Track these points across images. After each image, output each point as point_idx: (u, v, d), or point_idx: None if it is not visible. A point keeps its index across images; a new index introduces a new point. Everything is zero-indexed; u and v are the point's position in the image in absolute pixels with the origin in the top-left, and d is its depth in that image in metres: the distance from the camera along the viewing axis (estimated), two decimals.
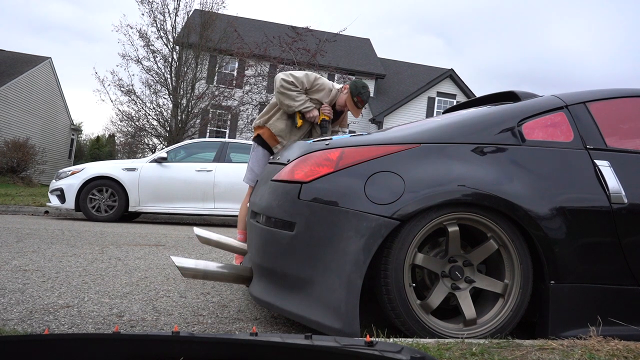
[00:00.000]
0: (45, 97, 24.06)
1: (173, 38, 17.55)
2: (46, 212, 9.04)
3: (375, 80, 23.73)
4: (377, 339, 1.46)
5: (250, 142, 9.06)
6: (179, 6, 17.76)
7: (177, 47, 17.64)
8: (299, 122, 3.65)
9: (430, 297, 2.10)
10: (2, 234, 5.37)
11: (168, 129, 17.13)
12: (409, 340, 1.88)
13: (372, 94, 24.70)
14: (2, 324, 2.10)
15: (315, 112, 3.62)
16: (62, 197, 7.74)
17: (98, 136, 45.32)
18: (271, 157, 3.41)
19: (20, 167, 18.73)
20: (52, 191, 7.88)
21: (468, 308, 2.12)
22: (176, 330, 1.36)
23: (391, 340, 1.78)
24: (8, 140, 18.98)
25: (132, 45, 25.75)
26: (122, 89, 17.04)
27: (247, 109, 18.66)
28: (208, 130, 19.76)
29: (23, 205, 9.38)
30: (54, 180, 8.05)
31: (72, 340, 1.38)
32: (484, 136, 2.23)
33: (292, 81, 3.52)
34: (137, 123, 17.24)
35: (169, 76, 17.42)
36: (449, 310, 2.23)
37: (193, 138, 16.58)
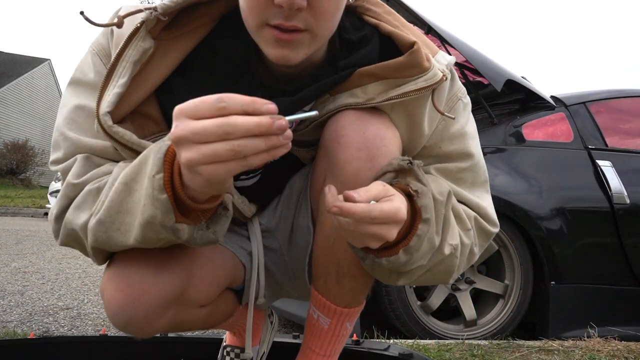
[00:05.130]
0: (44, 98, 24.07)
1: None
2: (46, 214, 9.04)
3: None
4: (363, 339, 1.47)
5: None
6: None
7: None
8: None
9: (431, 298, 2.10)
10: (2, 235, 5.37)
11: None
12: (410, 341, 1.88)
13: None
14: (2, 326, 2.09)
15: None
16: None
17: None
18: None
19: (19, 169, 18.73)
20: (52, 193, 7.88)
21: (468, 309, 2.11)
22: None
23: (391, 341, 1.78)
24: (7, 142, 18.98)
25: None
26: None
27: None
28: None
29: (22, 207, 9.39)
30: (53, 182, 8.04)
31: (61, 344, 1.38)
32: (484, 136, 2.23)
33: None
34: None
35: None
36: (449, 311, 2.23)
37: None
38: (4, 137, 20.15)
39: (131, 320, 0.77)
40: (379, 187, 0.67)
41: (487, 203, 0.90)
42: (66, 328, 2.15)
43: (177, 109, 0.56)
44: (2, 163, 18.33)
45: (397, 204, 0.66)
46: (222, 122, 0.53)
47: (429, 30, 2.29)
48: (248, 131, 0.53)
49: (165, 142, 0.65)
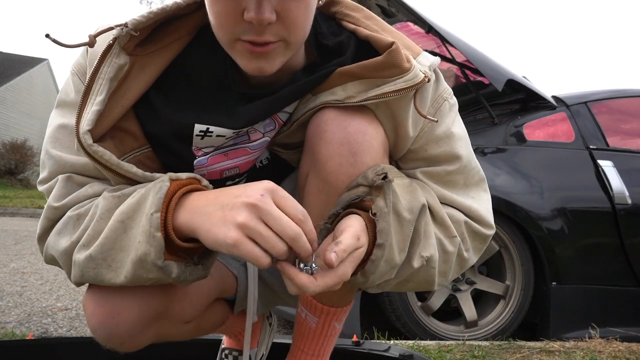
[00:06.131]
0: (43, 98, 24.04)
1: None
2: None
3: None
4: (363, 340, 1.47)
5: None
6: None
7: None
8: None
9: (431, 298, 2.09)
10: (1, 236, 5.36)
11: None
12: (410, 342, 1.87)
13: None
14: (1, 326, 2.08)
15: None
16: None
17: None
18: None
19: (18, 169, 18.69)
20: None
21: (469, 310, 2.11)
22: None
23: (392, 342, 1.77)
24: (6, 142, 18.95)
25: None
26: None
27: None
28: None
29: (21, 207, 9.37)
30: None
31: (59, 345, 1.37)
32: (485, 136, 2.23)
33: None
34: None
35: None
36: (450, 312, 2.22)
37: None
38: (3, 137, 20.12)
39: (112, 335, 0.77)
40: (352, 241, 0.68)
41: (481, 204, 0.88)
42: (65, 329, 2.14)
43: (270, 185, 0.65)
44: (0, 163, 18.29)
45: (346, 270, 0.67)
46: (296, 232, 0.62)
47: (430, 29, 2.28)
48: (299, 248, 0.63)
49: (165, 182, 0.69)
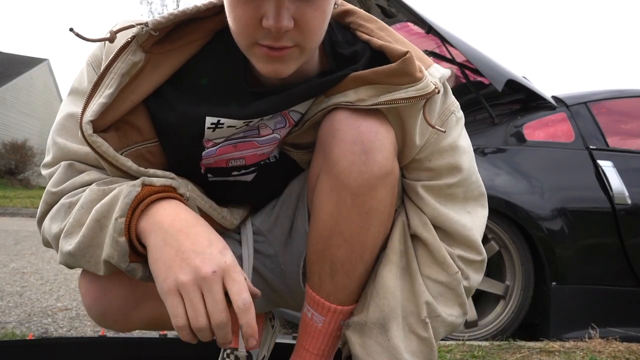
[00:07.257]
0: (43, 98, 24.03)
1: None
2: None
3: None
4: None
5: None
6: (177, 7, 17.78)
7: None
8: None
9: None
10: (1, 236, 5.36)
11: None
12: None
13: None
14: (1, 327, 2.08)
15: None
16: None
17: None
18: None
19: (18, 169, 18.68)
20: None
21: (469, 310, 2.11)
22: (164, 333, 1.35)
23: None
24: (6, 142, 18.94)
25: None
26: None
27: None
28: None
29: (21, 207, 9.36)
30: None
31: (59, 345, 1.37)
32: (485, 136, 2.23)
33: None
34: None
35: None
36: None
37: None
38: (3, 138, 20.10)
39: (105, 312, 0.81)
40: None
41: (475, 220, 0.91)
42: (65, 329, 2.14)
43: (228, 264, 0.68)
44: (0, 163, 18.29)
45: None
46: (222, 322, 0.66)
47: (429, 30, 2.28)
48: (220, 336, 0.68)
49: (136, 187, 0.72)
